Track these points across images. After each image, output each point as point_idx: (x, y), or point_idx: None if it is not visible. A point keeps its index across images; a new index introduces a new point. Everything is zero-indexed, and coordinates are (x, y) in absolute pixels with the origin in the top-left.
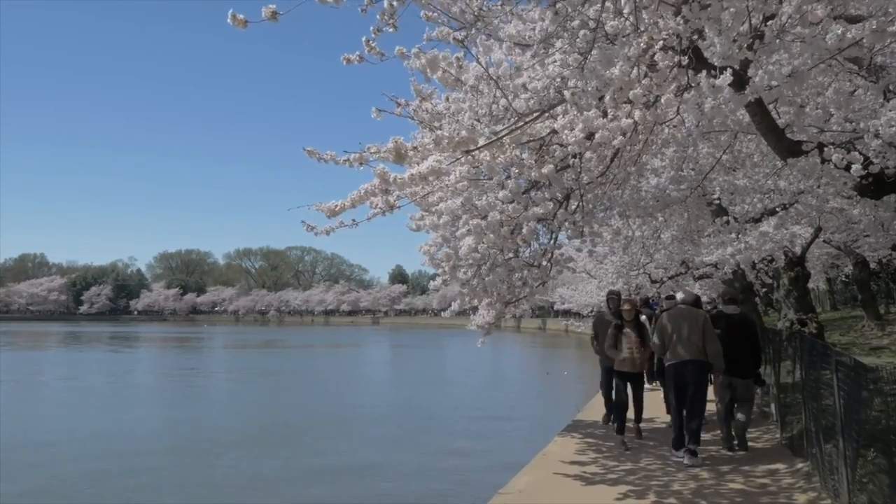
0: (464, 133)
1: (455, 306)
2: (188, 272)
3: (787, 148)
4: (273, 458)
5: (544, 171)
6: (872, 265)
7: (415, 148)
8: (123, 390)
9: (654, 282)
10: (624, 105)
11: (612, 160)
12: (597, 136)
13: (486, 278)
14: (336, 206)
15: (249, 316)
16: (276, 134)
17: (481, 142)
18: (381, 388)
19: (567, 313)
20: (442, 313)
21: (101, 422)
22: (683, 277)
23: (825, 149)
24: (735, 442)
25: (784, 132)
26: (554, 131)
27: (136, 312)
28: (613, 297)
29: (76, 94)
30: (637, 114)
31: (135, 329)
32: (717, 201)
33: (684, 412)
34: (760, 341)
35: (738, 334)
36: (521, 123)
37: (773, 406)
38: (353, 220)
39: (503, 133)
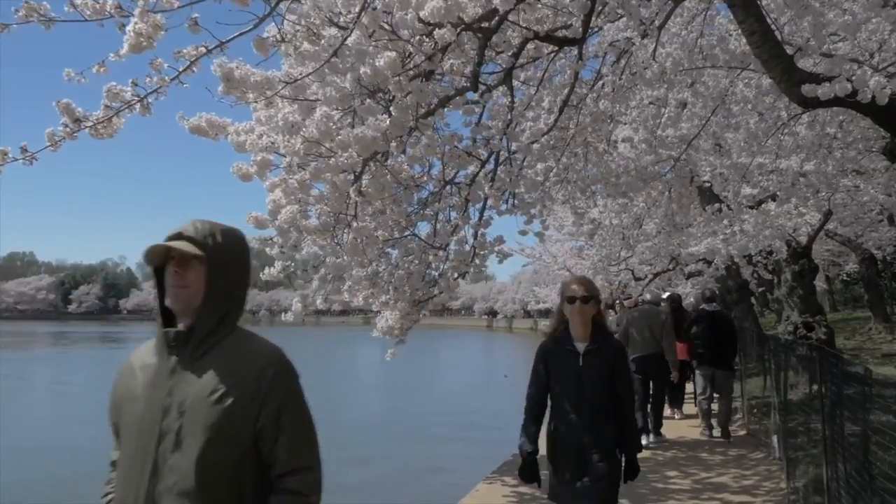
0: None
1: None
2: None
3: (799, 80)
4: None
5: (380, 63)
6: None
7: None
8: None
9: (637, 279)
10: None
11: (561, 109)
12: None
13: (337, 260)
14: None
15: None
16: None
17: None
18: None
19: (549, 313)
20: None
21: (67, 433)
22: (673, 274)
23: (855, 75)
24: (715, 431)
25: (793, 59)
26: None
27: (125, 312)
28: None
29: (69, 94)
30: None
31: (124, 330)
32: (708, 184)
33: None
34: (737, 334)
35: (719, 330)
36: None
37: (775, 439)
38: (24, 148)
39: None
